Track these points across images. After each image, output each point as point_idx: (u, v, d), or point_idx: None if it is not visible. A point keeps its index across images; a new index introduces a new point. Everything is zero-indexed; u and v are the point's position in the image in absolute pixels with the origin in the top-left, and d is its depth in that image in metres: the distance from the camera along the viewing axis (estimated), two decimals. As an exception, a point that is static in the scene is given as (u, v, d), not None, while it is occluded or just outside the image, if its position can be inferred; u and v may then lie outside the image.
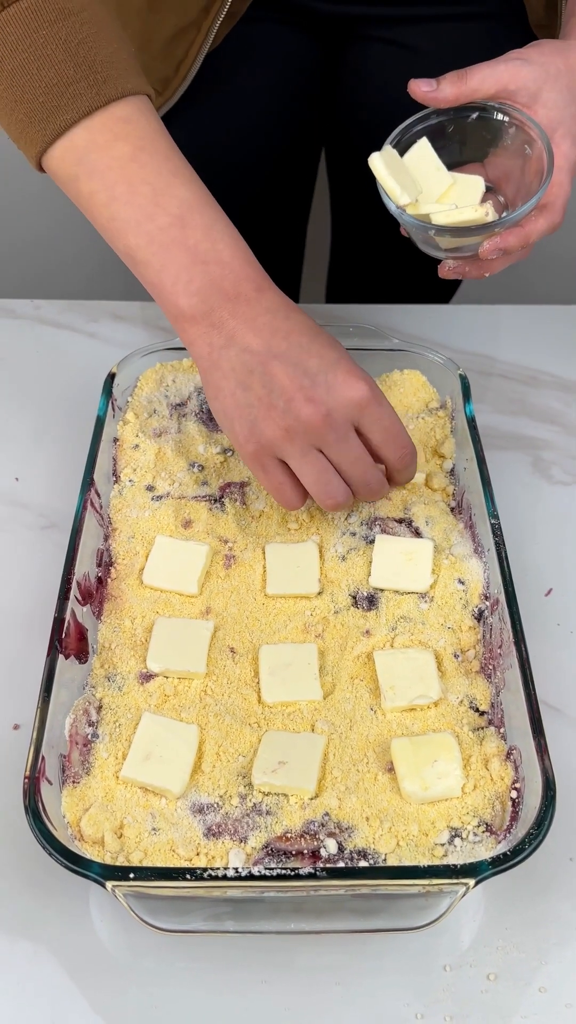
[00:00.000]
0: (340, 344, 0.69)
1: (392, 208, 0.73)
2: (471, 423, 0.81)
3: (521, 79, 0.72)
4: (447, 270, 0.77)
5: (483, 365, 1.02)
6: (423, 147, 0.74)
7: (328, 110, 1.10)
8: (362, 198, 1.15)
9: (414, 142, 0.75)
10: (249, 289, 0.68)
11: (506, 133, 0.74)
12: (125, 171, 0.67)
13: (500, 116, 0.74)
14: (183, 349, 0.88)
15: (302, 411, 0.66)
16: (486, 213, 0.71)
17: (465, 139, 0.76)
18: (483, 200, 0.74)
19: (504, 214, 0.74)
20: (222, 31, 0.93)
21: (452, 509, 0.79)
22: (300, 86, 1.05)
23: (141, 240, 0.68)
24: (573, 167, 0.74)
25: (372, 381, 0.68)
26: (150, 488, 0.80)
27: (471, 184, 0.74)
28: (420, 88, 0.72)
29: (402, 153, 0.75)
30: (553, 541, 0.85)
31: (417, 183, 0.74)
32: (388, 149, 0.74)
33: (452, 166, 0.76)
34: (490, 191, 0.76)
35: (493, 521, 0.72)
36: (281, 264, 1.26)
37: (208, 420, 0.85)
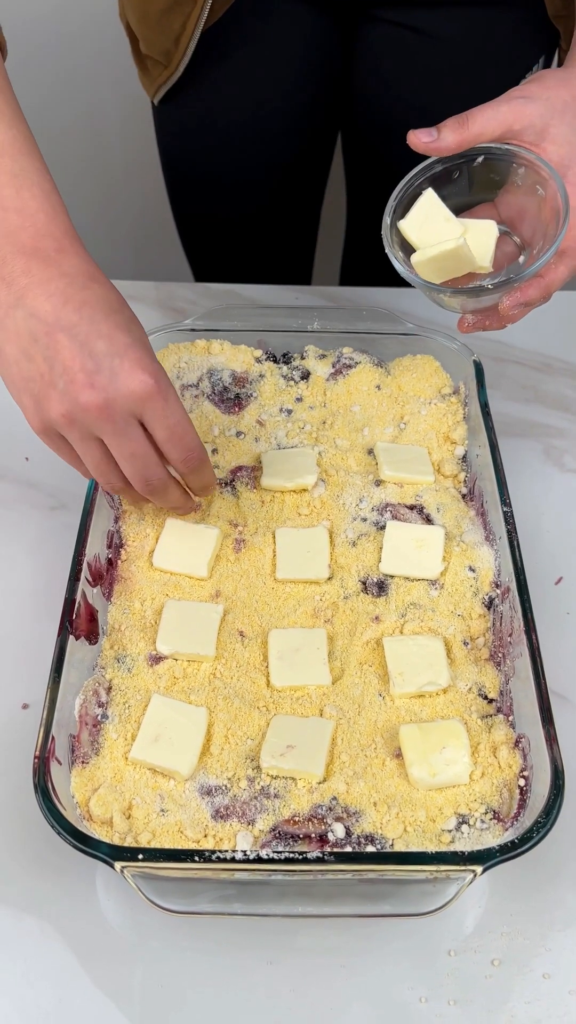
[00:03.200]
0: (139, 327, 0.64)
1: (401, 271, 0.71)
2: (484, 410, 0.80)
3: (526, 117, 0.69)
4: (467, 327, 0.74)
5: (497, 351, 1.02)
6: (429, 197, 0.71)
7: (344, 92, 1.09)
8: (378, 180, 1.14)
9: (419, 193, 0.71)
10: (50, 247, 0.63)
11: (516, 173, 0.71)
12: None
13: (508, 158, 0.70)
14: (196, 330, 0.88)
15: (80, 396, 0.61)
16: (486, 263, 0.69)
17: (473, 181, 0.73)
18: (498, 243, 0.71)
19: (522, 259, 0.71)
20: (220, 5, 0.91)
21: (464, 496, 0.79)
22: (313, 66, 1.04)
23: None
24: None
25: (162, 374, 0.63)
26: None
27: (483, 229, 0.71)
28: (420, 139, 0.69)
29: (408, 205, 0.71)
30: (564, 529, 0.85)
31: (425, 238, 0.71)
32: (396, 223, 0.71)
33: (462, 208, 0.73)
34: (504, 233, 0.73)
35: (505, 509, 0.72)
36: (294, 245, 1.25)
37: (221, 402, 0.85)
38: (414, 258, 0.70)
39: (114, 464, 0.65)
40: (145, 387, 0.61)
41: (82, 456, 0.66)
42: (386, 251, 0.71)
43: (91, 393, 0.61)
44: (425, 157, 0.71)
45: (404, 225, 0.71)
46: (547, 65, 1.02)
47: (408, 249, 0.72)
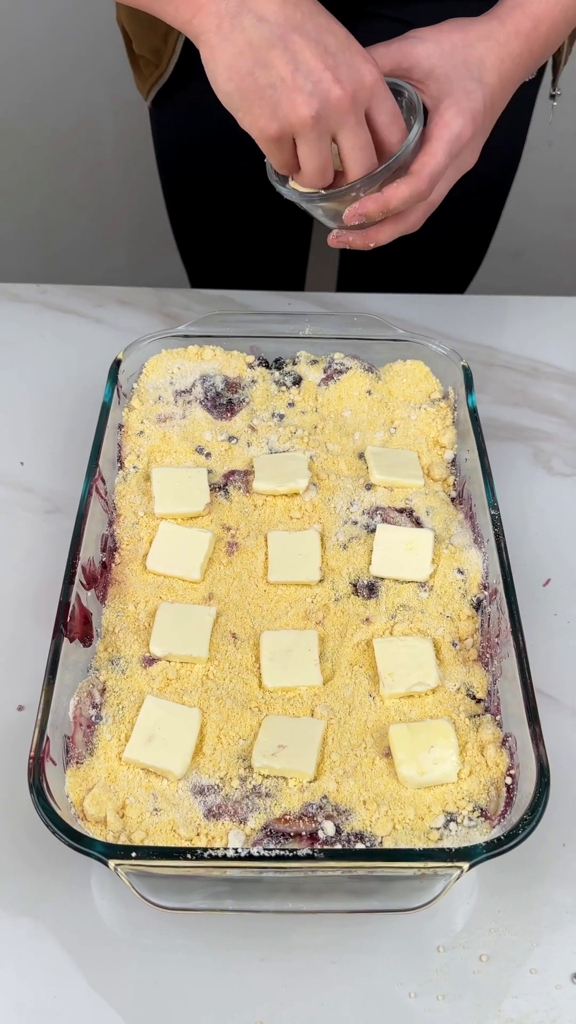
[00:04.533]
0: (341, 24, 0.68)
1: (273, 181, 0.74)
2: (473, 414, 0.81)
3: (415, 56, 0.73)
4: (332, 238, 0.77)
5: (486, 356, 1.03)
6: None
7: None
8: None
9: None
10: None
11: (401, 106, 0.73)
12: None
13: (393, 90, 0.73)
14: (189, 336, 0.89)
15: (331, 93, 0.64)
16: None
17: None
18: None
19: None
20: None
21: (452, 499, 0.80)
22: None
23: None
24: (455, 139, 0.73)
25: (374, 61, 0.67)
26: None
27: None
28: None
29: None
30: (552, 532, 0.86)
31: None
32: None
33: None
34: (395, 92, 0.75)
35: (493, 512, 0.73)
36: (288, 249, 1.26)
37: (213, 407, 0.86)
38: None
39: (330, 161, 0.68)
40: (375, 75, 0.66)
41: (310, 158, 0.68)
42: (269, 178, 0.75)
43: (339, 88, 0.64)
44: None
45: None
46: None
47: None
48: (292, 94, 0.64)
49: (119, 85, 1.43)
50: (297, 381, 0.88)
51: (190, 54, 0.97)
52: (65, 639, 0.65)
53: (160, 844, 0.59)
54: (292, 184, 0.74)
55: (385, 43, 0.73)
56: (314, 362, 0.89)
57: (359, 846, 0.59)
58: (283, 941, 0.62)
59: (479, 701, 0.67)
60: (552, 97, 0.98)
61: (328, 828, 0.59)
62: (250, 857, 0.55)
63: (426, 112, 0.74)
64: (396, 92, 0.73)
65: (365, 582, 0.74)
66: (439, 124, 0.72)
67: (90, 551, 0.72)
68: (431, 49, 0.73)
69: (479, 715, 0.66)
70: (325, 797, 0.61)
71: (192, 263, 1.27)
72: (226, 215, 1.17)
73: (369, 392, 0.87)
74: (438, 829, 0.60)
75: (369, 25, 1.01)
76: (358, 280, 1.28)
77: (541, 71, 1.03)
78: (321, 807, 0.61)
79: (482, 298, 1.11)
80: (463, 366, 0.86)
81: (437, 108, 0.73)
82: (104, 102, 1.76)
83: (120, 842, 0.59)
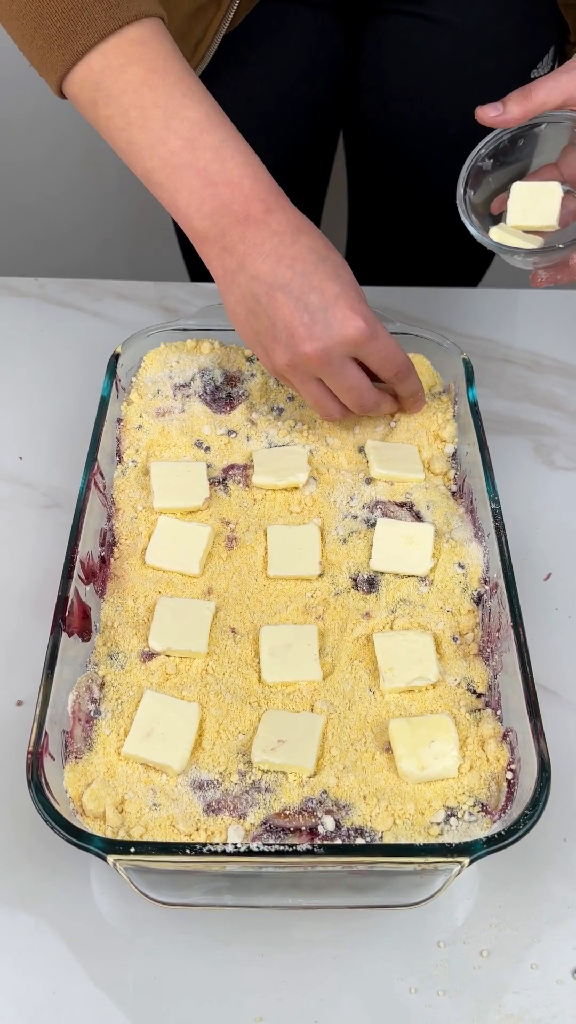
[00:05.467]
0: (347, 270, 0.71)
1: (476, 236, 0.75)
2: (474, 408, 0.81)
3: None
4: (540, 281, 0.77)
5: (487, 349, 1.02)
6: (518, 190, 0.75)
7: (349, 90, 1.09)
8: (380, 180, 1.14)
9: (484, 166, 0.76)
10: (258, 210, 0.69)
11: None
12: (138, 95, 0.68)
13: (569, 122, 0.74)
14: (188, 330, 0.89)
15: (301, 348, 0.69)
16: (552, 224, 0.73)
17: (536, 146, 0.77)
18: (563, 202, 0.74)
19: None
20: (242, 9, 0.92)
21: (453, 493, 0.80)
22: (321, 65, 1.04)
23: (155, 164, 0.70)
24: None
25: (370, 315, 0.70)
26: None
27: (548, 190, 0.74)
28: (488, 114, 0.72)
29: (475, 178, 0.76)
30: (553, 526, 0.86)
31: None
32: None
33: (525, 171, 0.77)
34: (568, 192, 0.76)
35: (494, 506, 0.73)
36: None
37: (212, 401, 0.85)
38: (499, 229, 0.75)
39: (332, 396, 0.75)
40: (359, 332, 0.69)
41: (304, 394, 0.75)
42: (463, 220, 0.76)
43: (310, 344, 0.69)
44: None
45: (509, 223, 0.75)
46: (556, 57, 1.03)
47: (480, 215, 0.77)
48: (272, 344, 0.71)
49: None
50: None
51: (216, 64, 0.97)
52: (64, 634, 0.65)
53: (159, 839, 0.59)
54: (493, 235, 0.75)
55: (553, 75, 0.72)
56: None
57: (359, 841, 0.58)
58: (283, 936, 0.61)
59: (480, 696, 0.66)
60: None
61: (328, 823, 0.59)
62: (249, 852, 0.55)
63: None
64: (558, 123, 0.73)
65: (365, 576, 0.73)
66: None
67: (89, 545, 0.72)
68: None
69: (480, 710, 0.65)
70: (325, 792, 0.61)
71: (193, 258, 1.27)
72: None
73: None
74: (438, 824, 0.59)
75: (385, 20, 1.01)
76: (367, 274, 1.27)
77: (561, 58, 1.03)
78: (321, 802, 0.60)
79: (484, 291, 1.10)
80: (464, 359, 0.85)
81: None
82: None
83: (119, 837, 0.58)
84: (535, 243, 0.74)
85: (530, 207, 0.74)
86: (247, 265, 0.69)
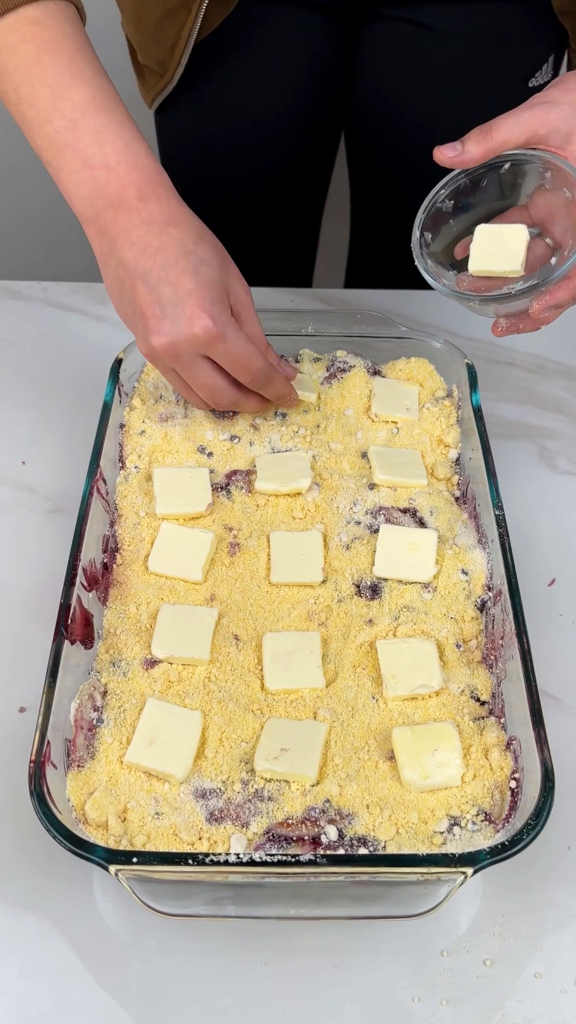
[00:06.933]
0: (209, 267, 0.70)
1: (431, 283, 0.73)
2: (477, 413, 0.81)
3: (551, 123, 0.70)
4: (500, 330, 0.76)
5: (490, 352, 1.02)
6: (483, 232, 0.72)
7: (348, 93, 1.09)
8: (380, 185, 1.14)
9: (444, 208, 0.74)
10: (132, 197, 0.70)
11: (544, 176, 0.72)
12: (29, 73, 0.69)
13: (535, 162, 0.71)
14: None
15: (151, 339, 0.70)
16: (518, 270, 0.70)
17: (502, 186, 0.74)
18: (531, 246, 0.71)
19: (553, 260, 0.72)
20: (215, 14, 0.92)
21: (457, 499, 0.80)
22: (316, 69, 1.04)
23: (42, 141, 0.71)
24: None
25: (222, 316, 0.69)
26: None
27: (514, 233, 0.72)
28: (445, 155, 0.70)
29: (434, 220, 0.74)
30: (557, 531, 0.85)
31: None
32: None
33: (492, 213, 0.74)
34: (537, 236, 0.73)
35: (497, 512, 0.73)
36: (295, 248, 1.25)
37: (214, 406, 0.85)
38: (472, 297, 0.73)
39: (190, 388, 0.75)
40: (204, 331, 0.69)
41: (168, 382, 0.77)
42: (416, 264, 0.74)
43: (158, 338, 0.70)
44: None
45: (472, 269, 0.73)
46: (556, 64, 1.02)
47: (438, 259, 0.75)
48: (134, 330, 0.72)
49: (122, 83, 1.43)
50: (300, 379, 0.87)
51: (196, 66, 0.97)
52: (66, 641, 0.65)
53: (162, 848, 0.58)
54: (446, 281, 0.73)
55: (514, 113, 0.70)
56: (316, 359, 0.88)
57: (362, 851, 0.58)
58: (286, 944, 0.61)
59: (483, 703, 0.66)
60: None
61: (331, 832, 0.59)
62: (252, 862, 0.55)
63: None
64: (542, 163, 0.70)
65: (368, 583, 0.73)
66: None
67: (91, 552, 0.72)
68: (567, 112, 0.70)
69: (483, 717, 0.65)
70: (328, 801, 0.61)
71: None
72: (231, 216, 1.16)
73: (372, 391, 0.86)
74: (442, 833, 0.59)
75: (379, 26, 1.01)
76: (368, 278, 1.27)
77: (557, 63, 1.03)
78: (324, 811, 0.60)
79: (486, 294, 1.10)
80: (467, 363, 0.85)
81: None
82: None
83: (121, 846, 0.58)
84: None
85: (494, 251, 0.71)
86: (116, 250, 0.70)
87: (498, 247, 0.71)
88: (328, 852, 0.58)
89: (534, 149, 0.70)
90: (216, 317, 0.69)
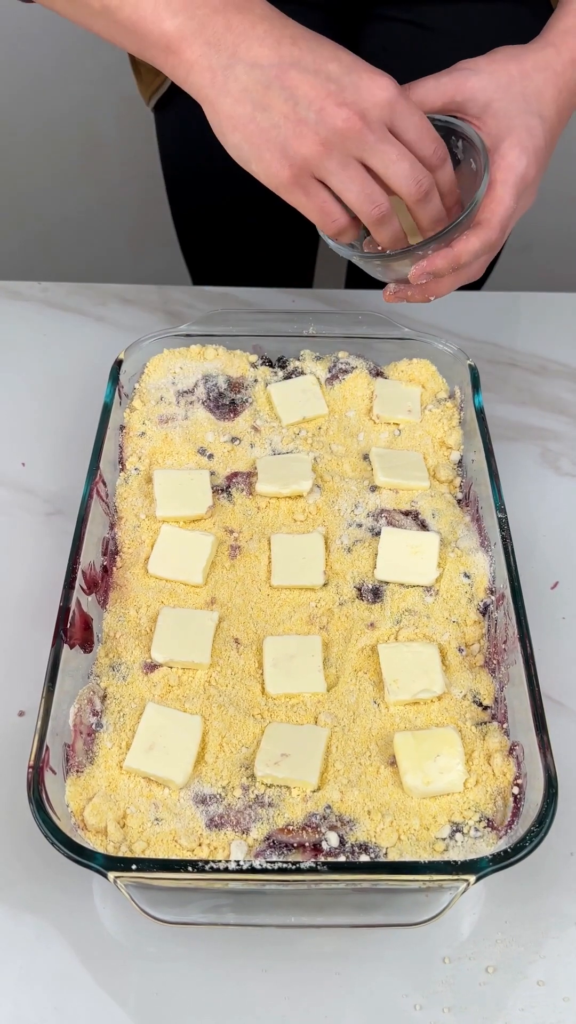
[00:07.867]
0: (346, 49, 0.65)
1: (331, 245, 0.70)
2: (480, 415, 0.80)
3: (468, 90, 0.68)
4: (389, 295, 0.74)
5: (493, 353, 1.02)
6: None
7: None
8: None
9: None
10: None
11: (456, 145, 0.70)
12: None
13: (447, 128, 0.69)
14: (191, 336, 0.88)
15: (336, 118, 0.61)
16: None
17: None
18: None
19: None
20: None
21: (459, 501, 0.79)
22: None
23: None
24: (519, 181, 0.69)
25: (393, 78, 0.64)
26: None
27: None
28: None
29: None
30: (560, 533, 0.85)
31: None
32: None
33: None
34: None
35: (500, 515, 0.72)
36: (294, 248, 1.24)
37: (215, 408, 0.85)
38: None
39: (375, 183, 0.65)
40: (389, 91, 0.62)
41: (344, 187, 0.64)
42: (320, 232, 0.71)
43: (345, 111, 0.61)
44: None
45: None
46: None
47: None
48: (297, 128, 0.62)
49: (122, 83, 1.42)
50: (301, 381, 0.87)
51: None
52: (65, 645, 0.64)
53: (161, 854, 0.58)
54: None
55: (435, 76, 0.69)
56: (319, 358, 0.88)
57: (363, 858, 0.58)
58: (286, 951, 0.61)
59: (486, 708, 0.66)
60: None
61: (332, 839, 0.58)
62: (252, 870, 0.54)
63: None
64: (452, 131, 0.69)
65: (370, 586, 0.73)
66: (503, 166, 0.68)
67: (91, 555, 0.71)
68: (486, 82, 0.69)
69: (486, 723, 0.65)
70: (329, 807, 0.60)
71: (195, 262, 1.26)
72: (230, 215, 1.16)
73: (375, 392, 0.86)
74: (444, 840, 0.59)
75: (379, 27, 1.00)
76: (368, 278, 1.26)
77: None
78: (325, 817, 0.60)
79: (489, 294, 1.09)
80: (470, 365, 0.84)
81: (498, 148, 0.69)
82: (107, 99, 1.75)
83: (121, 852, 0.58)
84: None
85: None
86: (242, 54, 0.62)
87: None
88: (329, 859, 0.57)
89: (454, 116, 0.69)
90: (392, 78, 0.63)
